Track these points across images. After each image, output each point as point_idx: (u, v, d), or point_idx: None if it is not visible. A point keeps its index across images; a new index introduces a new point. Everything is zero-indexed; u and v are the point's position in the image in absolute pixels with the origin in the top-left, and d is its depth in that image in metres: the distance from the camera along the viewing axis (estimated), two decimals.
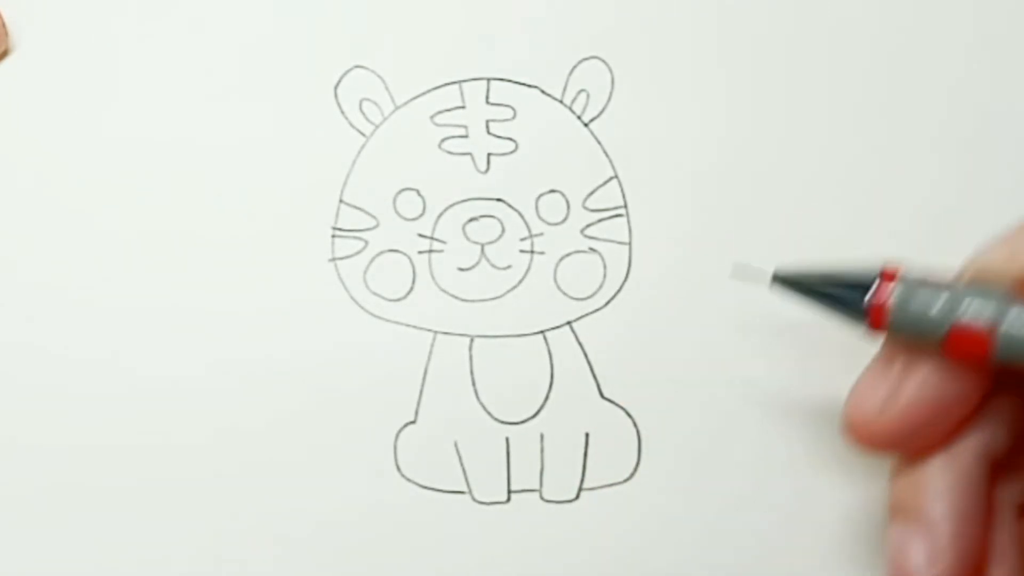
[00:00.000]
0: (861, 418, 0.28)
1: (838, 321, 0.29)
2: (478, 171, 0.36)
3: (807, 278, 0.29)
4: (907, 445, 0.27)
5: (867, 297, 0.28)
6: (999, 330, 0.26)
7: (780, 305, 0.36)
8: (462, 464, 0.35)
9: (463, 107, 0.36)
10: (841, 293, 0.28)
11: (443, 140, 0.36)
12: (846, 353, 0.36)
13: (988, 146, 0.37)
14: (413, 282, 0.36)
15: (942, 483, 0.27)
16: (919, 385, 0.27)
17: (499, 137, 0.36)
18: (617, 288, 0.36)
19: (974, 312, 0.26)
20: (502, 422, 0.35)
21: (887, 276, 0.28)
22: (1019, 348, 0.26)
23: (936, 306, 0.27)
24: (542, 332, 0.36)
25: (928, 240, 0.36)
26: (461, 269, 0.36)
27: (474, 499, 0.35)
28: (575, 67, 0.37)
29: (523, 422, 0.35)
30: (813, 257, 0.36)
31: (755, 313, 0.36)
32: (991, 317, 0.26)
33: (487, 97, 0.36)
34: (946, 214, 0.36)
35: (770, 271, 0.30)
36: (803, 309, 0.30)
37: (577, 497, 0.35)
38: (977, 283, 0.27)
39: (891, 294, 0.27)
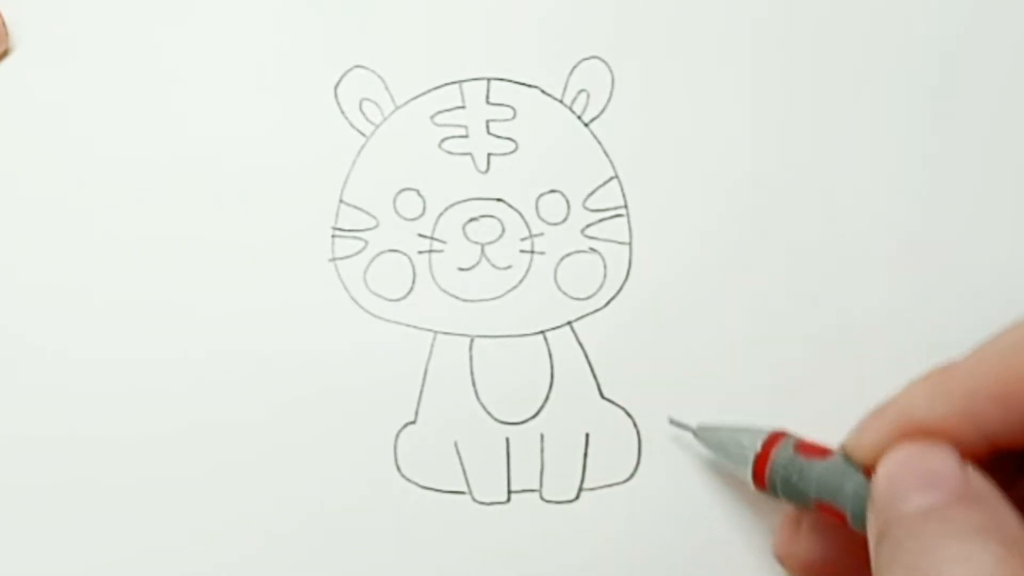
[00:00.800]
0: (783, 560, 0.34)
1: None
2: (478, 171, 0.36)
3: (709, 437, 0.34)
4: None
5: (751, 465, 0.32)
6: (848, 507, 0.29)
7: (780, 305, 0.36)
8: (462, 464, 0.35)
9: (463, 107, 0.36)
10: (736, 457, 0.33)
11: (443, 140, 0.36)
12: (845, 353, 0.36)
13: (986, 146, 0.37)
14: (413, 282, 0.36)
15: None
16: (806, 541, 0.33)
17: (499, 137, 0.36)
18: (617, 288, 0.36)
19: (829, 492, 0.30)
20: (502, 422, 0.35)
21: (767, 446, 0.32)
22: (865, 521, 0.29)
23: (804, 483, 0.31)
24: (542, 332, 0.36)
25: (928, 240, 0.36)
26: (461, 269, 0.36)
27: (474, 499, 0.35)
28: (575, 67, 0.37)
29: (523, 422, 0.35)
30: (813, 257, 0.36)
31: (755, 313, 0.36)
32: (846, 495, 0.30)
33: (487, 97, 0.36)
34: (946, 215, 0.36)
35: (695, 425, 0.34)
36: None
37: (577, 497, 0.35)
38: (840, 461, 0.30)
39: (770, 465, 0.32)
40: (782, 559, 0.34)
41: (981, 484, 0.28)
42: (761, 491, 0.32)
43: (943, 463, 0.28)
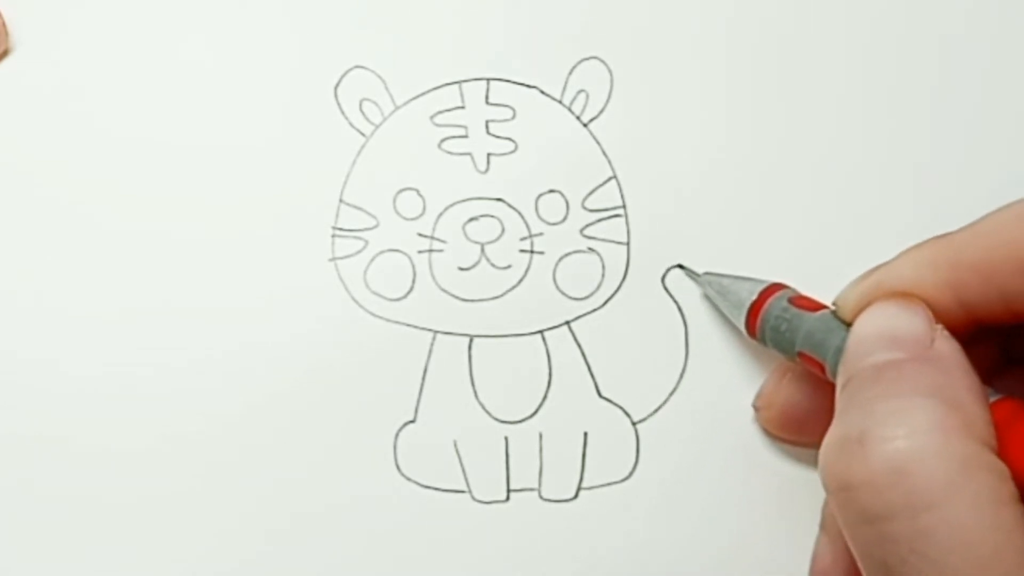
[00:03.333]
0: (758, 410, 0.35)
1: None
2: (478, 171, 0.36)
3: (712, 281, 0.35)
4: (794, 435, 0.34)
5: (745, 313, 0.33)
6: (828, 359, 0.30)
7: None
8: (461, 463, 0.35)
9: (463, 107, 0.36)
10: (733, 304, 0.34)
11: (443, 140, 0.36)
12: None
13: (985, 145, 0.37)
14: (413, 282, 0.36)
15: None
16: (787, 390, 0.34)
17: (499, 137, 0.36)
18: (615, 288, 0.36)
19: (813, 343, 0.31)
20: (501, 421, 0.35)
21: (764, 295, 0.33)
22: None
23: (792, 330, 0.32)
24: (541, 332, 0.36)
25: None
26: (461, 269, 0.36)
27: (473, 498, 0.35)
28: (575, 67, 0.37)
29: (522, 421, 0.35)
30: (811, 256, 0.36)
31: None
32: (828, 347, 0.30)
33: (487, 97, 0.37)
34: (947, 215, 0.36)
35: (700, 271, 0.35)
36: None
37: (576, 496, 0.35)
38: (828, 316, 0.31)
39: (762, 313, 0.33)
40: (759, 408, 0.35)
41: (946, 347, 0.28)
42: (752, 338, 0.33)
43: (910, 323, 0.28)
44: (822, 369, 0.30)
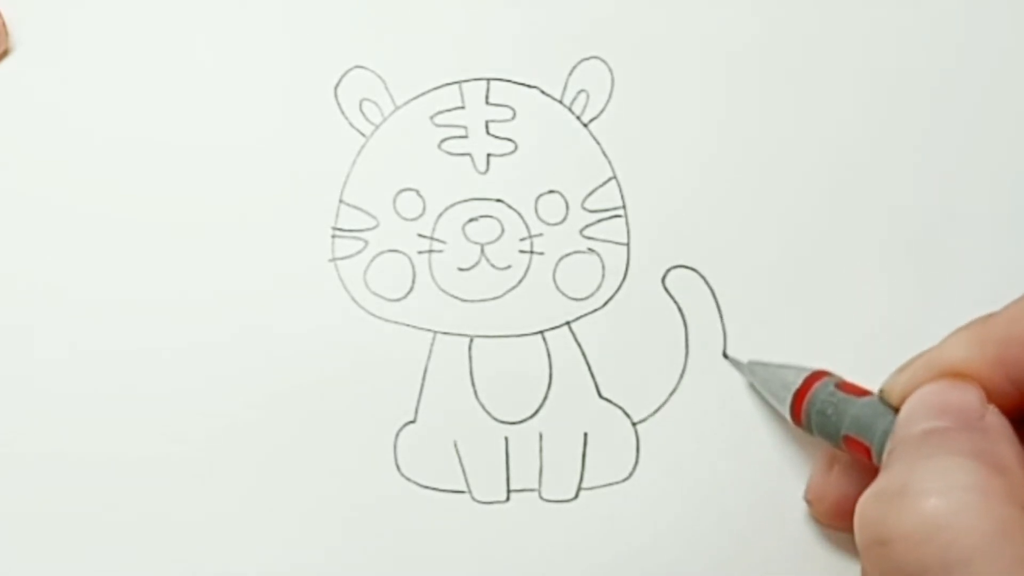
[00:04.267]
0: (810, 503, 0.34)
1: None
2: (478, 171, 0.36)
3: (756, 369, 0.35)
4: (849, 525, 0.32)
5: (791, 399, 0.33)
6: (875, 442, 0.30)
7: (779, 306, 0.36)
8: (461, 463, 0.35)
9: (463, 107, 0.36)
10: (778, 391, 0.34)
11: (443, 140, 0.36)
12: (845, 359, 0.36)
13: (984, 151, 0.37)
14: (413, 282, 0.36)
15: None
16: (837, 481, 0.33)
17: (499, 137, 0.36)
18: (615, 288, 0.36)
19: (860, 427, 0.31)
20: (501, 422, 0.35)
21: (810, 381, 0.33)
22: None
23: (839, 415, 0.31)
24: (541, 332, 0.36)
25: (927, 240, 0.36)
26: (461, 269, 0.36)
27: (473, 498, 0.35)
28: (575, 67, 0.37)
29: (522, 422, 0.35)
30: (813, 257, 0.36)
31: (753, 313, 0.36)
32: (875, 431, 0.30)
33: (487, 97, 0.36)
34: (948, 217, 0.36)
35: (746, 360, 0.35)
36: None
37: (576, 496, 0.35)
38: (876, 401, 0.31)
39: (807, 400, 0.32)
40: (812, 502, 0.34)
41: (998, 422, 0.28)
42: (797, 425, 0.33)
43: (960, 397, 0.28)
44: (867, 454, 0.30)
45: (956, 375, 0.29)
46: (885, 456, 0.29)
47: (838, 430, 0.31)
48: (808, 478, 0.35)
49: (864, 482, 0.31)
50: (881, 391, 0.31)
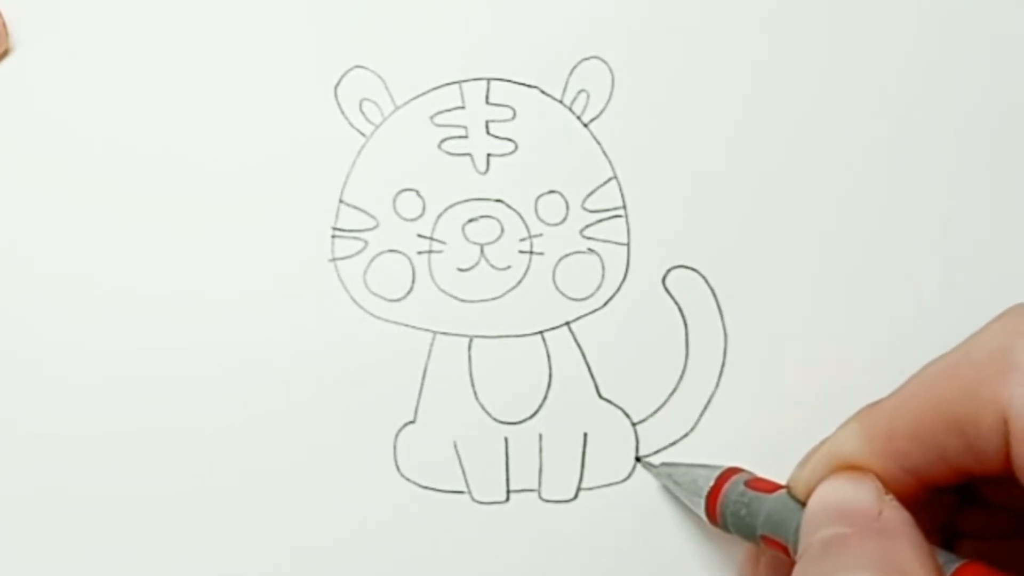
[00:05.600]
0: None
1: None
2: (478, 171, 0.36)
3: (669, 472, 0.35)
4: None
5: (704, 501, 0.33)
6: (790, 540, 0.30)
7: (779, 305, 0.36)
8: (461, 464, 0.35)
9: (463, 107, 0.36)
10: (691, 494, 0.33)
11: (443, 140, 0.36)
12: (843, 355, 0.36)
13: (988, 151, 0.37)
14: (413, 282, 0.36)
15: None
16: (767, 573, 0.33)
17: (499, 137, 0.36)
18: (615, 289, 0.36)
19: (773, 526, 0.31)
20: (501, 422, 0.35)
21: (720, 481, 0.33)
22: None
23: (752, 514, 0.31)
24: (541, 332, 0.36)
25: (929, 240, 0.36)
26: (461, 269, 0.36)
27: (473, 499, 0.35)
28: (575, 67, 0.37)
29: (522, 422, 0.35)
30: (813, 257, 0.36)
31: (753, 314, 0.36)
32: (788, 528, 0.30)
33: (487, 97, 0.36)
34: (951, 218, 0.36)
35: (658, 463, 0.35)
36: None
37: (575, 497, 0.35)
38: (785, 497, 0.31)
39: (720, 502, 0.32)
40: None
41: (894, 517, 0.28)
42: (714, 525, 0.33)
43: (857, 496, 0.29)
44: (786, 550, 0.30)
45: (852, 468, 0.30)
46: (796, 565, 0.29)
47: (754, 529, 0.31)
48: (737, 572, 0.35)
49: (789, 573, 0.32)
50: (788, 486, 0.31)
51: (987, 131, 0.37)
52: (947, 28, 0.37)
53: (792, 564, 0.30)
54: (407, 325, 0.35)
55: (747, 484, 0.32)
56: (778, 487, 0.32)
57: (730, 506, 0.32)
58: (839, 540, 0.28)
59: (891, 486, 0.29)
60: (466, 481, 0.35)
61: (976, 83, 0.37)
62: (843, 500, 0.29)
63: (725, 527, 0.32)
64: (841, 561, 0.27)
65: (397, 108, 0.36)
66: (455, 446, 0.35)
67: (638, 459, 0.35)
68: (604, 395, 0.35)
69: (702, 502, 0.33)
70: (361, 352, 0.35)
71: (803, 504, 0.30)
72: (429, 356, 0.35)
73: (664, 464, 0.35)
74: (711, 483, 0.33)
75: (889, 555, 0.27)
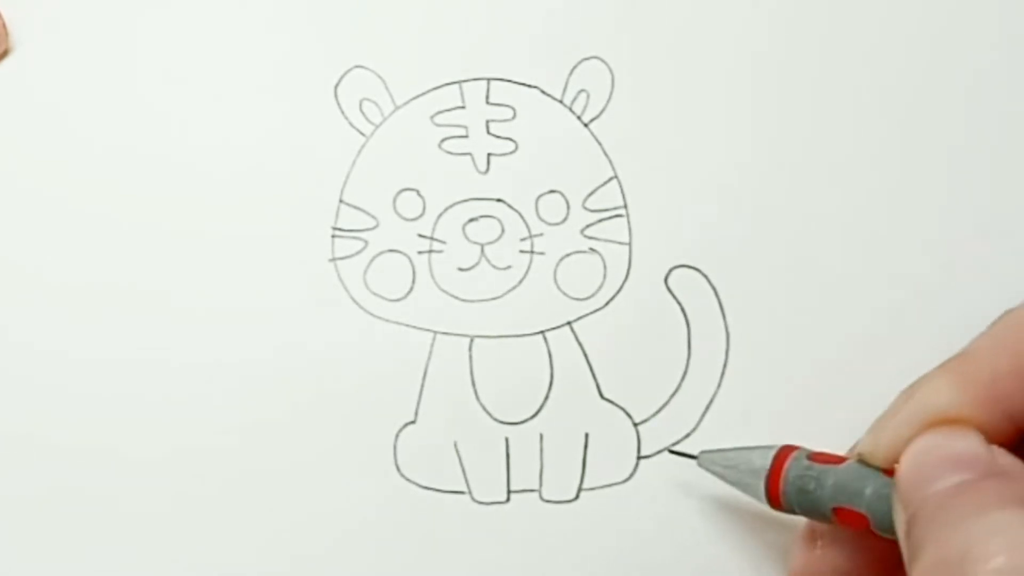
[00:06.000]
0: None
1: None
2: (478, 171, 0.36)
3: (714, 458, 0.33)
4: None
5: (764, 483, 0.31)
6: (870, 509, 0.29)
7: (780, 305, 0.36)
8: (462, 464, 0.35)
9: (463, 107, 0.36)
10: (745, 477, 0.32)
11: (443, 140, 0.36)
12: (847, 354, 0.36)
13: (991, 152, 0.37)
14: (413, 282, 0.36)
15: None
16: (826, 558, 0.32)
17: (499, 137, 0.36)
18: (617, 288, 0.36)
19: (849, 494, 0.29)
20: (502, 422, 0.35)
21: (780, 459, 0.31)
22: (889, 522, 0.28)
23: (821, 490, 0.30)
24: (542, 332, 0.36)
25: (933, 240, 0.36)
26: (461, 269, 0.36)
27: (474, 499, 0.35)
28: (575, 67, 0.37)
29: (523, 422, 0.35)
30: (813, 257, 0.36)
31: (754, 313, 0.36)
32: (865, 497, 0.29)
33: (487, 97, 0.36)
34: (955, 218, 0.36)
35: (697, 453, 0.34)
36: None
37: (576, 497, 0.35)
38: (857, 465, 0.30)
39: (784, 477, 0.31)
40: None
41: (1010, 462, 0.27)
42: (776, 509, 0.31)
43: (968, 445, 0.27)
44: (860, 522, 0.29)
45: (948, 422, 0.28)
46: (904, 526, 0.27)
47: (824, 503, 0.30)
48: (790, 559, 0.33)
49: (856, 552, 0.31)
50: (859, 454, 0.30)
51: (990, 131, 0.37)
52: (947, 28, 0.37)
53: (862, 538, 0.29)
54: (407, 325, 0.35)
55: (809, 458, 0.31)
56: (843, 459, 0.30)
57: (795, 482, 0.30)
58: (967, 486, 0.26)
59: (990, 436, 0.28)
60: (466, 481, 0.35)
61: (977, 83, 0.37)
62: (951, 451, 0.27)
63: (789, 507, 0.31)
64: (982, 503, 0.26)
65: (397, 108, 0.36)
66: (455, 446, 0.35)
67: (670, 450, 0.35)
68: (606, 395, 0.35)
69: (761, 484, 0.31)
70: (361, 352, 0.35)
71: (884, 471, 0.29)
72: (430, 356, 0.35)
73: (705, 452, 0.33)
74: (768, 462, 0.31)
75: None
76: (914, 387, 0.29)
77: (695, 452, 0.34)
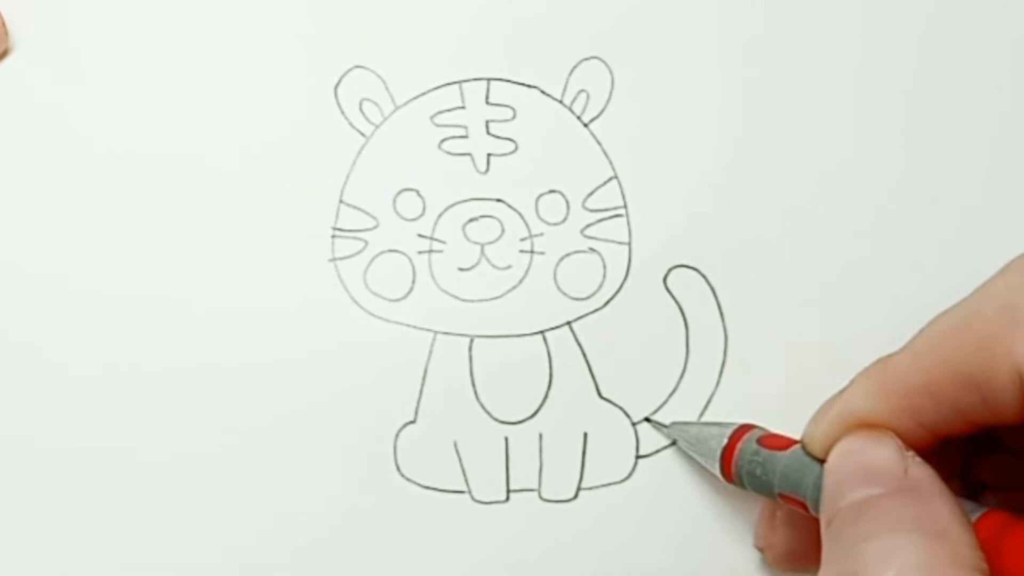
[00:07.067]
0: (764, 551, 0.35)
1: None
2: (478, 171, 0.36)
3: (680, 430, 0.35)
4: (806, 567, 0.34)
5: (718, 460, 0.33)
6: (808, 496, 0.30)
7: (780, 305, 0.36)
8: (461, 464, 0.35)
9: (463, 107, 0.36)
10: (704, 452, 0.34)
11: (443, 140, 0.36)
12: (848, 355, 0.36)
13: (993, 152, 0.37)
14: (413, 282, 0.36)
15: None
16: (783, 530, 0.34)
17: (499, 137, 0.36)
18: (616, 288, 0.36)
19: (791, 483, 0.31)
20: (501, 422, 0.35)
21: (733, 440, 0.33)
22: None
23: (768, 472, 0.32)
24: (541, 332, 0.36)
25: (933, 239, 0.36)
26: (461, 269, 0.36)
27: (473, 499, 0.35)
28: (575, 67, 0.37)
29: (522, 422, 0.35)
30: (814, 257, 0.36)
31: (754, 313, 0.36)
32: (806, 485, 0.30)
33: (487, 97, 0.36)
34: (956, 217, 0.36)
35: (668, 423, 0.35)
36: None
37: (576, 496, 0.35)
38: (800, 453, 0.31)
39: (735, 459, 0.33)
40: (763, 550, 0.35)
41: (920, 474, 0.28)
42: (730, 483, 0.33)
43: (882, 455, 0.29)
44: (804, 507, 0.31)
45: (868, 426, 0.30)
46: (823, 528, 0.29)
47: (771, 487, 0.32)
48: (754, 528, 0.35)
49: (807, 529, 0.32)
50: (803, 442, 0.31)
51: (988, 130, 0.37)
52: (949, 27, 0.37)
53: (811, 519, 0.30)
54: (407, 325, 0.35)
55: (759, 442, 0.32)
56: (791, 443, 0.32)
57: (745, 465, 0.32)
58: (871, 503, 0.28)
59: (908, 441, 0.29)
60: (466, 481, 0.35)
61: (976, 82, 0.37)
62: (867, 460, 0.29)
63: (741, 484, 0.33)
64: (878, 524, 0.27)
65: (397, 108, 0.36)
66: (455, 446, 0.35)
67: (647, 419, 0.35)
68: (604, 395, 0.35)
69: (716, 462, 0.33)
70: (361, 352, 0.35)
71: (819, 461, 0.30)
72: (429, 356, 0.35)
73: (675, 424, 0.35)
74: (724, 441, 0.33)
75: (924, 513, 0.27)
76: (845, 387, 0.31)
77: (669, 422, 0.35)
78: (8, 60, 0.36)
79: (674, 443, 0.35)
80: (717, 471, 0.33)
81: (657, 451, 0.35)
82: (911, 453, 0.29)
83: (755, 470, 0.32)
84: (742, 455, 0.32)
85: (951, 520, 0.27)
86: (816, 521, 0.30)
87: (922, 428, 0.29)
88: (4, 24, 0.36)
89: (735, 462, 0.33)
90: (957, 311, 0.29)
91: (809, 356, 0.36)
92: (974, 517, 0.28)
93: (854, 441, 0.30)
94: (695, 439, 0.34)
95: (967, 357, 0.28)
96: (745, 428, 0.33)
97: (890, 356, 0.30)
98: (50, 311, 0.35)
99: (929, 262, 0.36)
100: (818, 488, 0.30)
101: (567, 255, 0.36)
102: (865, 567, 0.26)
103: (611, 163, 0.36)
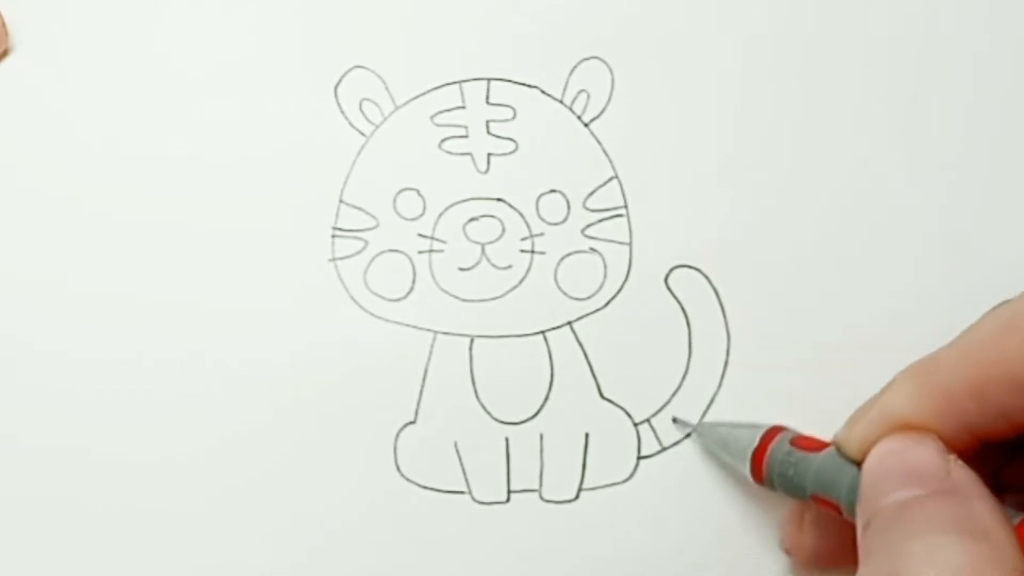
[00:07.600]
0: (791, 554, 0.34)
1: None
2: (478, 171, 0.36)
3: (709, 432, 0.35)
4: (835, 566, 0.33)
5: (749, 462, 0.33)
6: (842, 499, 0.30)
7: (781, 304, 0.36)
8: (462, 464, 0.35)
9: (463, 107, 0.36)
10: (734, 453, 0.33)
11: (443, 140, 0.36)
12: (850, 354, 0.36)
13: (995, 151, 0.37)
14: (413, 282, 0.36)
15: None
16: (811, 532, 0.33)
17: (499, 137, 0.36)
18: (617, 288, 0.36)
19: (824, 485, 0.30)
20: (502, 422, 0.35)
21: (765, 441, 0.32)
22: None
23: (800, 474, 0.31)
24: (542, 332, 0.36)
25: (934, 238, 0.36)
26: (461, 269, 0.36)
27: (474, 499, 0.35)
28: (575, 67, 0.37)
29: (523, 422, 0.35)
30: (815, 256, 0.36)
31: (755, 313, 0.36)
32: (840, 487, 0.30)
33: (487, 97, 0.36)
34: (956, 217, 0.36)
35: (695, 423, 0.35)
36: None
37: (576, 497, 0.35)
38: (834, 455, 0.31)
39: (767, 460, 0.32)
40: (790, 552, 0.34)
41: (963, 476, 0.28)
42: (760, 485, 0.33)
43: (924, 457, 0.28)
44: (837, 509, 0.30)
45: (910, 427, 0.29)
46: (860, 529, 0.28)
47: (803, 489, 0.31)
48: (780, 530, 0.35)
49: (837, 531, 0.32)
50: (837, 444, 0.31)
51: (990, 128, 0.37)
52: (948, 28, 0.37)
53: (840, 521, 0.30)
54: (408, 325, 0.35)
55: (792, 443, 0.32)
56: (825, 445, 0.31)
57: (777, 466, 0.32)
58: (913, 503, 0.27)
59: (949, 443, 0.29)
60: (467, 481, 0.35)
61: (976, 81, 0.37)
62: (909, 462, 0.28)
63: (771, 486, 0.32)
64: (919, 525, 0.27)
65: (397, 108, 0.36)
66: (456, 446, 0.35)
67: (674, 419, 0.35)
68: (606, 395, 0.35)
69: (747, 463, 0.33)
70: (361, 352, 0.35)
71: (855, 463, 0.30)
72: (430, 356, 0.35)
73: (703, 424, 0.35)
74: (756, 443, 0.33)
75: (968, 515, 0.27)
76: (884, 388, 0.30)
77: (694, 424, 0.35)
78: (8, 60, 0.36)
79: (676, 444, 0.35)
80: (747, 472, 0.33)
81: (659, 452, 0.35)
82: (953, 456, 0.28)
83: (787, 471, 0.32)
84: (774, 456, 0.32)
85: (993, 522, 0.27)
86: (846, 523, 0.30)
87: (964, 430, 0.29)
88: (4, 24, 0.36)
89: (767, 463, 0.32)
90: (1003, 311, 0.29)
91: (812, 355, 0.36)
92: (1016, 520, 0.27)
93: (894, 442, 0.29)
94: (724, 440, 0.34)
95: (1017, 360, 0.28)
96: (776, 429, 0.33)
97: (932, 356, 0.30)
98: (50, 310, 0.35)
99: (931, 262, 0.36)
100: (853, 490, 0.29)
101: (568, 255, 0.36)
102: (907, 567, 0.26)
103: (611, 163, 0.36)
